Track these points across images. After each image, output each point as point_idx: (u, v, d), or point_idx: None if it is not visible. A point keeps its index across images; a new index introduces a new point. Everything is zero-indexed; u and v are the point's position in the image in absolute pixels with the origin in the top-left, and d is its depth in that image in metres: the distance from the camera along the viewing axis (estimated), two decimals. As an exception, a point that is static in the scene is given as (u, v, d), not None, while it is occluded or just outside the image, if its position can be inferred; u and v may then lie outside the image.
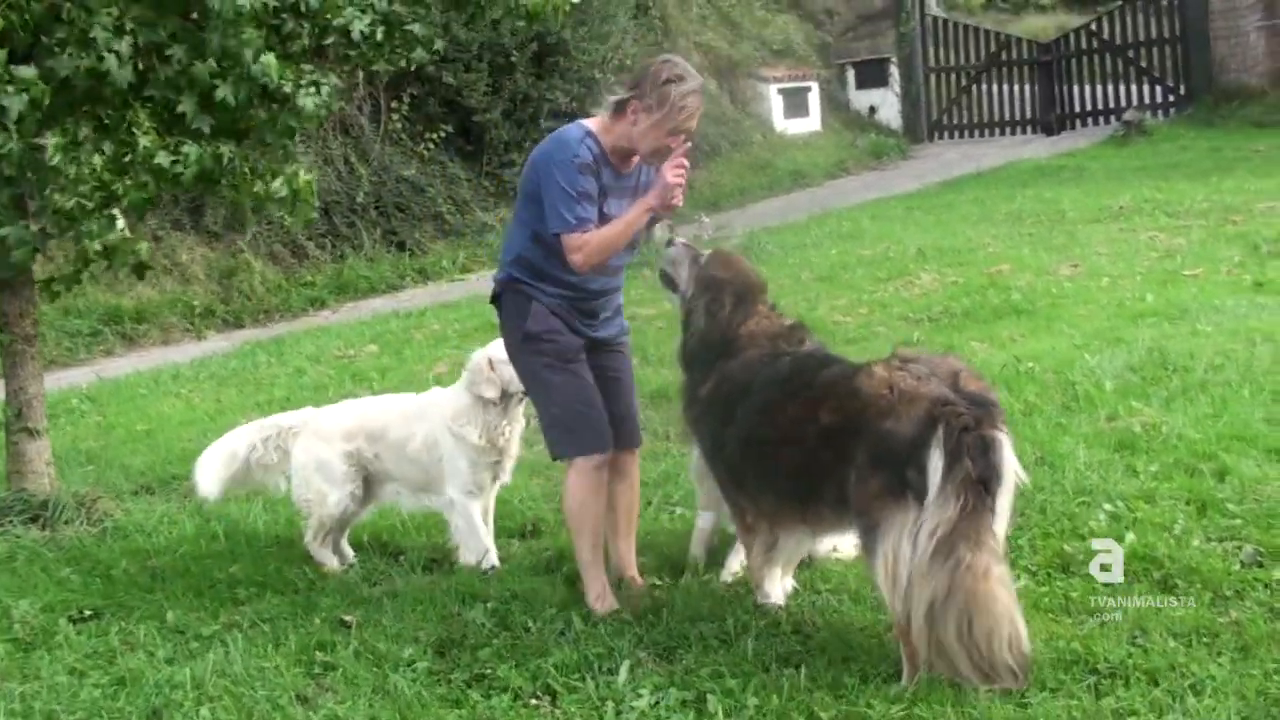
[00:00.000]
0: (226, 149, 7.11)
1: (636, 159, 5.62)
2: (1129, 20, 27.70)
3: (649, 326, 11.36)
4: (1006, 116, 28.22)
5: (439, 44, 8.15)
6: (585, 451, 5.72)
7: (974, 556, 4.54)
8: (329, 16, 7.38)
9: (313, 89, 7.30)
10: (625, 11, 23.28)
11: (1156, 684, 4.60)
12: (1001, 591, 4.60)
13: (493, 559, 6.43)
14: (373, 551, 6.91)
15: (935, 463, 4.54)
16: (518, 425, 6.51)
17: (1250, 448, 6.90)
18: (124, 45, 6.45)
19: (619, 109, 5.53)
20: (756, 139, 26.57)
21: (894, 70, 29.44)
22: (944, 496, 4.49)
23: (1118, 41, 27.54)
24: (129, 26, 6.58)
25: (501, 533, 6.85)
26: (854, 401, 4.82)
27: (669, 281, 5.93)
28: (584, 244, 5.40)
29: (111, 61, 6.40)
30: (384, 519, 7.28)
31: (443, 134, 20.79)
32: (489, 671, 5.17)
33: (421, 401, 6.76)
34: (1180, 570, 5.47)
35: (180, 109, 6.82)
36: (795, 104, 27.99)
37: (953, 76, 29.11)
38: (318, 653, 5.49)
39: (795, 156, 26.29)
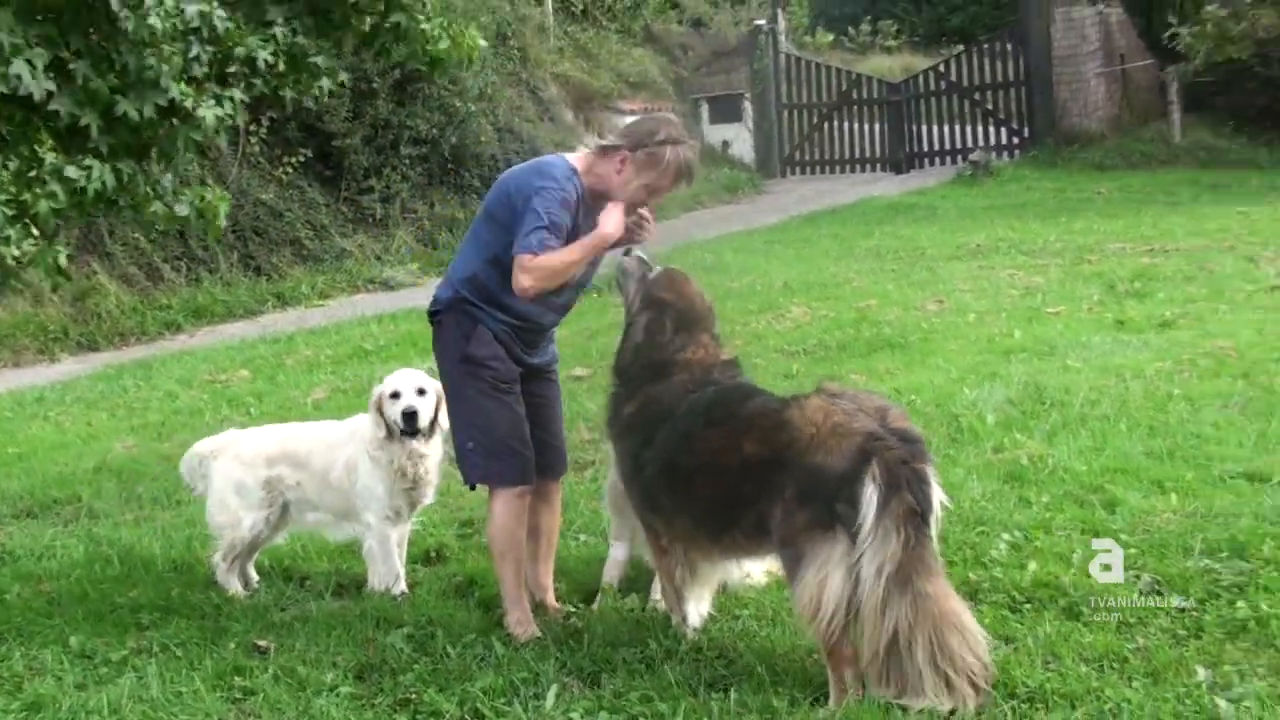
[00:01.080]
0: (126, 167, 6.99)
1: (607, 205, 5.58)
2: (975, 63, 28.53)
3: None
4: (857, 154, 28.83)
5: (342, 76, 8.12)
6: (509, 483, 5.73)
7: (931, 585, 4.67)
8: (232, 44, 7.30)
9: (213, 102, 7.20)
10: (487, 41, 23.26)
11: (1074, 707, 4.74)
12: (962, 609, 4.80)
13: (402, 586, 6.39)
14: (276, 576, 6.84)
15: (869, 496, 4.63)
16: (431, 456, 6.46)
17: (1134, 480, 7.15)
18: (36, 57, 6.30)
19: (607, 153, 5.53)
20: (613, 170, 26.70)
21: (748, 106, 29.91)
22: (883, 530, 4.59)
23: (964, 84, 28.34)
24: (33, 41, 6.43)
25: (407, 559, 6.80)
26: (781, 434, 4.88)
27: (620, 289, 5.90)
28: (534, 266, 5.32)
29: (23, 71, 6.25)
30: (286, 544, 7.17)
31: (302, 159, 20.60)
32: (413, 696, 5.15)
33: (344, 428, 6.70)
34: (1083, 598, 5.64)
35: (84, 123, 6.66)
36: (651, 137, 28.18)
37: (805, 113, 29.65)
38: (235, 677, 5.41)
39: (651, 188, 26.44)
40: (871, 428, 4.75)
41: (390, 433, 6.34)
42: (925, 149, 28.52)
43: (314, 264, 20.18)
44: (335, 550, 7.05)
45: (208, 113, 7.13)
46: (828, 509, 4.72)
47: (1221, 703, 4.66)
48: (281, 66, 7.56)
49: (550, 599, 6.07)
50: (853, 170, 28.37)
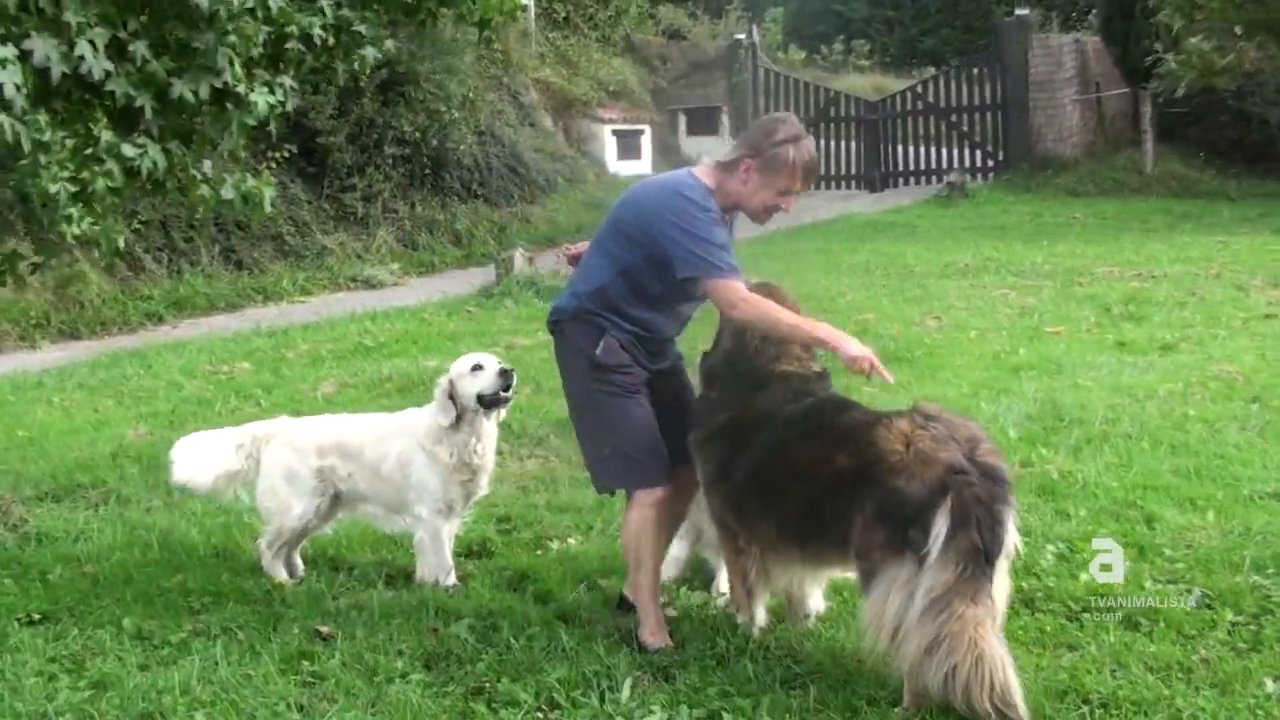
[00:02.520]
0: (176, 149, 6.96)
1: (728, 215, 5.59)
2: (952, 86, 28.78)
3: (530, 357, 11.33)
4: (833, 171, 28.96)
5: (387, 43, 8.09)
6: (648, 485, 5.63)
7: (966, 609, 4.65)
8: (284, 22, 7.28)
9: (265, 89, 7.18)
10: (471, 47, 23.29)
11: (1147, 715, 4.80)
12: (990, 640, 4.67)
13: (453, 579, 6.38)
14: (323, 565, 6.82)
15: (940, 527, 4.65)
16: (489, 440, 6.46)
17: (1165, 497, 7.25)
18: (98, 37, 6.27)
19: (731, 166, 5.49)
20: (590, 178, 26.80)
21: (725, 119, 30.03)
22: (944, 560, 4.61)
23: (941, 105, 28.57)
24: (94, 21, 6.39)
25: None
26: (870, 450, 4.90)
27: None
28: (744, 300, 5.28)
29: (86, 51, 6.21)
30: (329, 534, 7.13)
31: (285, 154, 20.47)
32: (486, 685, 5.16)
33: (396, 421, 6.67)
34: (1140, 610, 5.71)
35: (139, 103, 6.62)
36: (628, 146, 28.37)
37: (781, 129, 29.73)
38: (303, 662, 5.43)
39: (629, 198, 26.54)
40: (956, 460, 4.75)
41: (460, 417, 6.31)
42: (901, 168, 28.75)
43: (295, 260, 20.11)
44: (378, 540, 7.04)
45: (260, 99, 7.09)
46: (902, 532, 4.74)
47: (1294, 715, 4.73)
48: (331, 40, 7.51)
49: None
50: (829, 187, 28.46)
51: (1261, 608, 5.70)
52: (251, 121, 7.15)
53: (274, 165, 20.22)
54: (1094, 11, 34.10)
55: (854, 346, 5.24)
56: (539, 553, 6.89)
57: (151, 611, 6.08)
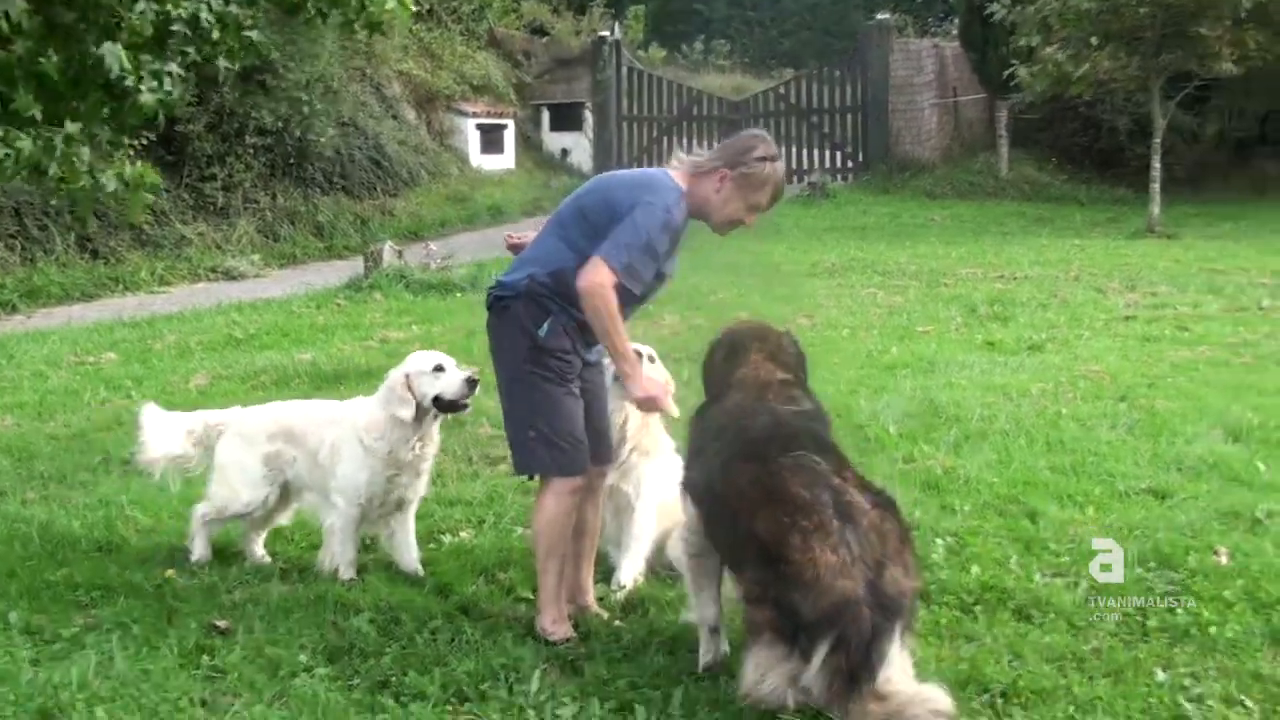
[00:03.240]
0: (58, 138, 6.78)
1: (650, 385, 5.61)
2: (814, 87, 29.14)
3: (408, 351, 11.21)
4: (696, 169, 29.02)
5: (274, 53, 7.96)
6: (569, 473, 5.60)
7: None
8: (173, 4, 7.11)
9: (154, 80, 7.02)
10: (333, 36, 23.01)
11: (1046, 704, 4.91)
12: None
13: (352, 573, 6.30)
14: (219, 558, 6.69)
15: (821, 650, 4.62)
16: (432, 443, 6.37)
17: (1044, 493, 7.41)
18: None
19: (705, 174, 5.47)
20: (453, 171, 26.68)
21: (588, 116, 30.06)
22: (821, 673, 4.59)
23: (803, 106, 28.90)
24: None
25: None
26: (784, 544, 4.73)
27: None
28: (603, 292, 5.28)
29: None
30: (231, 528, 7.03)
31: (143, 142, 19.96)
32: (391, 679, 5.10)
33: (340, 409, 6.55)
34: (1030, 601, 5.83)
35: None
36: (491, 140, 28.28)
37: (646, 126, 29.91)
38: (203, 656, 5.31)
39: (493, 192, 26.54)
40: (853, 593, 4.63)
41: (419, 413, 6.21)
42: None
43: (153, 250, 19.73)
44: (272, 533, 6.92)
45: (148, 96, 6.93)
46: (791, 632, 4.73)
47: (1185, 703, 4.87)
48: (216, 33, 7.36)
49: (590, 601, 5.96)
50: (691, 185, 28.56)
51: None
52: (135, 121, 7.00)
53: (131, 153, 19.75)
54: (951, 18, 34.83)
55: (638, 389, 5.44)
56: (432, 546, 6.83)
57: (39, 606, 5.91)
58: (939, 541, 6.62)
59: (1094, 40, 21.26)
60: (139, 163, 7.41)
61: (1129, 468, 7.89)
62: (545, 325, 5.48)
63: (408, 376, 6.21)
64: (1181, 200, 24.85)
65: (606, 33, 30.81)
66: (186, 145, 20.94)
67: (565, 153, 30.16)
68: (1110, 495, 7.38)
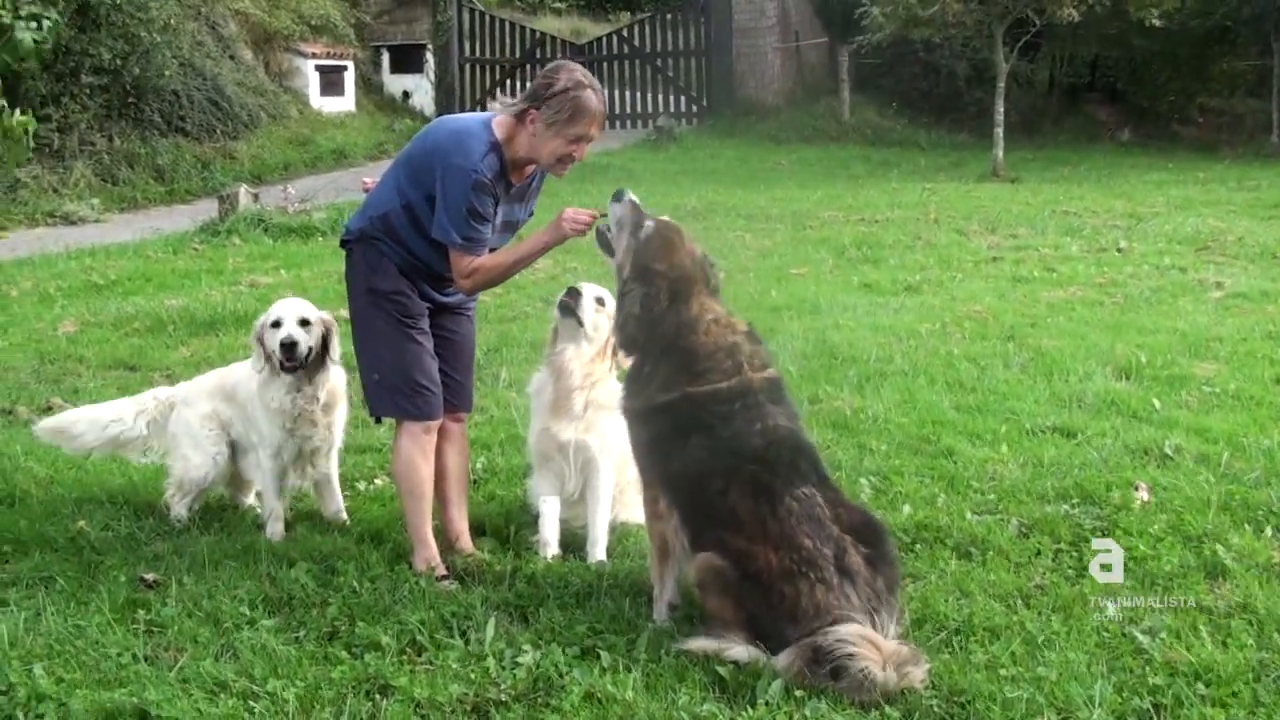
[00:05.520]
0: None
1: (531, 168, 5.49)
2: (659, 31, 29.03)
3: (278, 296, 10.92)
4: (540, 112, 28.78)
5: None
6: (415, 417, 5.57)
7: None
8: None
9: (33, 23, 6.67)
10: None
11: (1001, 639, 4.94)
12: None
13: (278, 528, 6.10)
14: (130, 509, 6.45)
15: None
16: (317, 397, 6.12)
17: (955, 431, 7.50)
18: None
19: (519, 117, 5.34)
20: (294, 114, 26.03)
21: (429, 58, 29.55)
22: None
23: (647, 50, 28.78)
24: None
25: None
26: (781, 580, 4.69)
27: (605, 244, 5.43)
28: (474, 270, 5.33)
29: None
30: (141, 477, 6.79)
31: (-29, 80, 19.11)
32: (341, 629, 4.96)
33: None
34: (966, 539, 5.88)
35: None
36: (331, 82, 27.63)
37: (488, 69, 29.54)
38: (139, 611, 5.11)
39: (335, 135, 26.00)
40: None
41: (272, 366, 6.01)
42: (608, 111, 28.77)
43: (-16, 194, 18.86)
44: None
45: (26, 35, 6.58)
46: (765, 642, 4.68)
47: (1139, 635, 4.94)
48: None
49: (465, 543, 5.86)
50: (536, 128, 28.33)
51: (1077, 535, 5.92)
52: (11, 60, 6.65)
53: (-41, 92, 18.87)
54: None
55: (565, 227, 5.32)
56: (348, 494, 6.66)
57: (-52, 562, 5.63)
58: (864, 481, 6.67)
59: (943, -20, 21.58)
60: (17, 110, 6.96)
61: (1031, 406, 8.02)
62: (378, 267, 5.48)
63: (261, 328, 6.09)
64: (1018, 145, 25.33)
65: (447, -28, 30.29)
66: (19, 84, 19.95)
67: (407, 95, 29.61)
68: (1019, 433, 7.48)
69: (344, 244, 5.70)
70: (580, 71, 5.46)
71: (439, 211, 5.30)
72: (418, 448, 5.59)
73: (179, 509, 6.31)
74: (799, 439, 5.10)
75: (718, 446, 4.99)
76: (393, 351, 5.52)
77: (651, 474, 5.23)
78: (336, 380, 6.24)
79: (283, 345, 5.94)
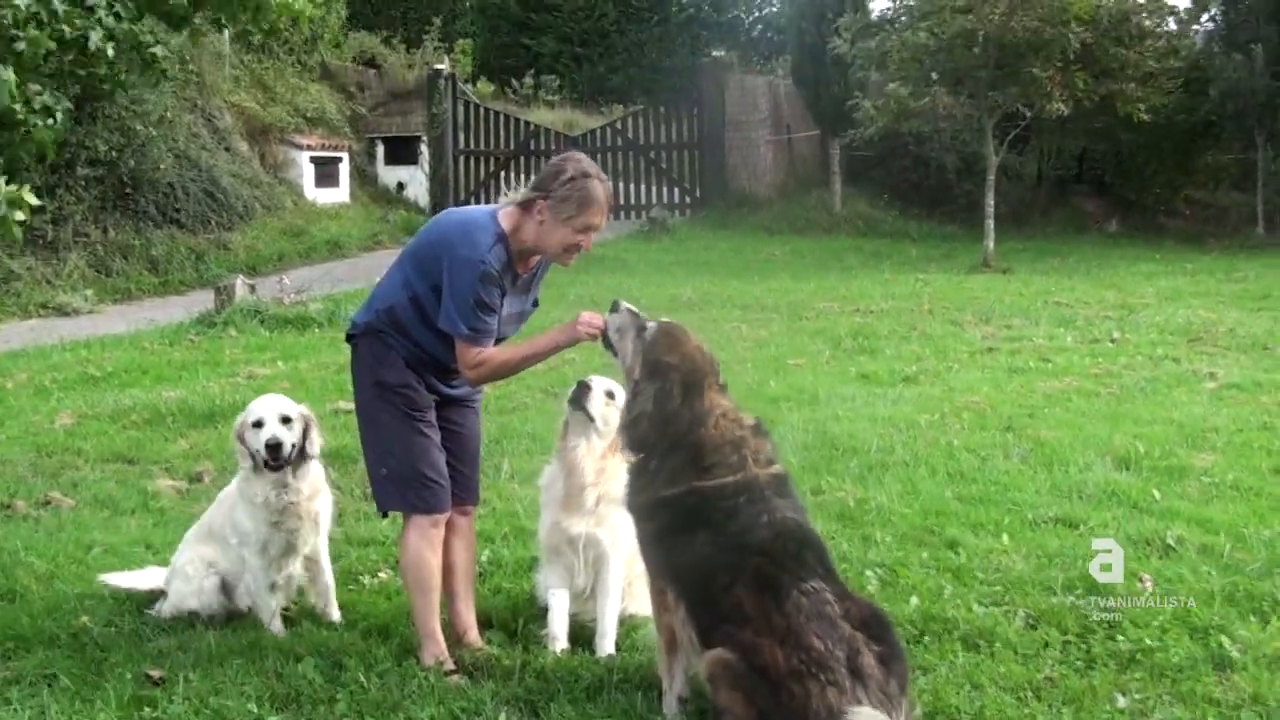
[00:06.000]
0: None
1: (537, 258, 5.56)
2: (652, 123, 29.32)
3: (272, 388, 10.93)
4: (534, 204, 28.96)
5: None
6: (422, 510, 5.56)
7: None
8: (66, 27, 6.86)
9: (47, 117, 6.75)
10: (168, 65, 22.37)
11: (1015, 734, 4.95)
12: None
13: (278, 624, 6.08)
14: (129, 604, 6.42)
15: None
16: (301, 484, 6.13)
17: (958, 522, 7.51)
18: None
19: (525, 207, 5.41)
20: (288, 205, 26.16)
21: (424, 149, 29.79)
22: None
23: (640, 142, 29.04)
24: None
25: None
26: (790, 680, 4.61)
27: (611, 347, 5.46)
28: (481, 361, 5.36)
29: None
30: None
31: (-33, 173, 19.20)
32: (349, 728, 4.94)
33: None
34: (974, 631, 5.88)
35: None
36: (326, 174, 27.82)
37: (482, 160, 29.76)
38: (144, 709, 5.09)
39: (329, 226, 26.11)
40: None
41: (255, 465, 6.03)
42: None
43: (-22, 287, 18.91)
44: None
45: (44, 132, 6.68)
46: None
47: (1149, 728, 4.95)
48: (111, 52, 7.12)
49: (474, 637, 5.84)
50: (530, 220, 28.50)
51: (1084, 627, 5.93)
52: (28, 155, 6.73)
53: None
54: (776, 56, 35.43)
55: (581, 330, 5.36)
56: (352, 588, 6.66)
57: (-53, 661, 5.60)
58: (870, 574, 6.65)
59: (934, 75, 21.83)
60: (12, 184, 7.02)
61: (1032, 496, 8.04)
62: (385, 360, 5.52)
63: (241, 426, 6.10)
64: (1007, 236, 25.54)
65: (442, 66, 30.55)
66: (14, 176, 20.07)
67: (401, 186, 29.83)
68: (1021, 524, 7.49)
69: (349, 338, 5.73)
70: (586, 161, 5.53)
71: (446, 302, 5.33)
72: (426, 542, 5.59)
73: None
74: (805, 531, 5.09)
75: (723, 541, 4.97)
76: (400, 445, 5.54)
77: (658, 567, 5.22)
78: (316, 472, 6.25)
79: (268, 446, 5.96)
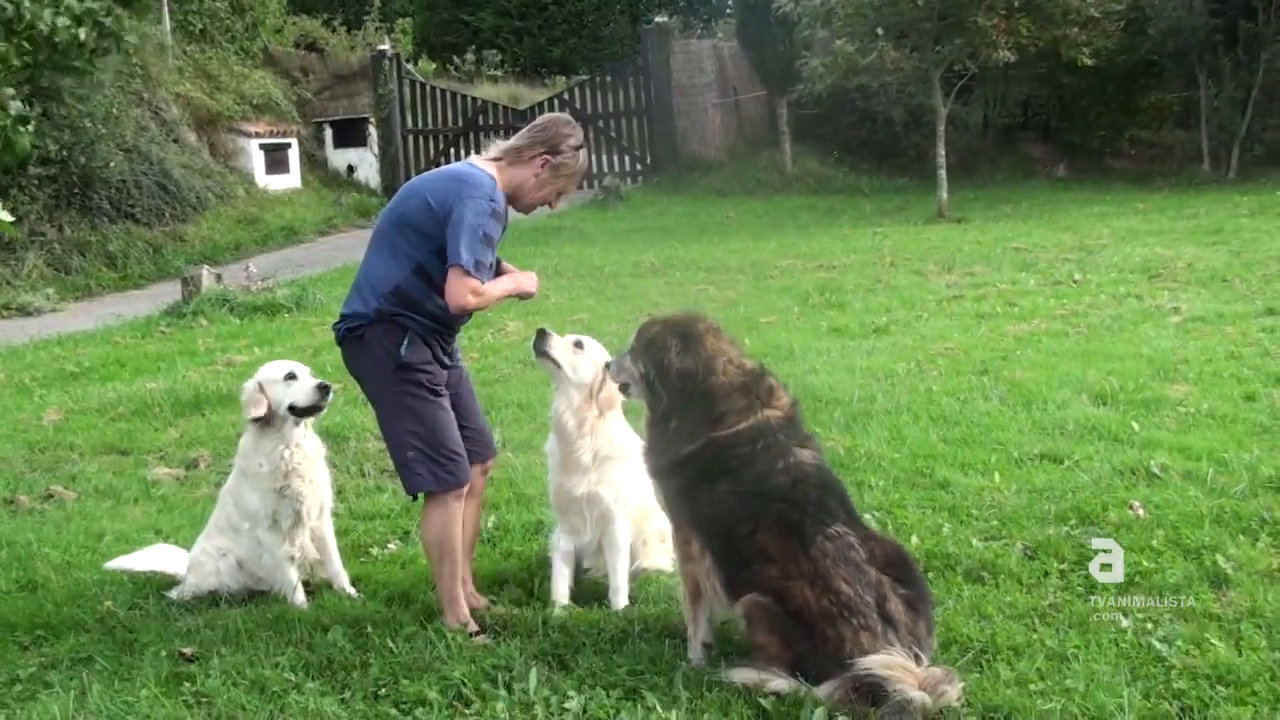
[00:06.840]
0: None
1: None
2: (599, 92, 29.37)
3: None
4: (485, 179, 28.99)
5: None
6: (450, 487, 5.67)
7: None
8: (32, 24, 6.91)
9: (22, 125, 6.82)
10: (113, 60, 22.24)
11: (1025, 657, 5.11)
12: None
13: (301, 596, 6.20)
14: (147, 586, 6.55)
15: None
16: (305, 446, 6.29)
17: (947, 464, 7.71)
18: None
19: (524, 158, 5.61)
20: (240, 193, 26.06)
21: (372, 131, 29.74)
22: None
23: (589, 111, 29.07)
24: None
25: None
26: (823, 623, 4.80)
27: (626, 390, 5.61)
28: (482, 293, 5.48)
29: None
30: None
31: (-84, 178, 19.12)
32: (384, 688, 5.08)
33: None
34: (976, 565, 6.07)
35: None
36: (276, 160, 27.74)
37: (431, 139, 29.72)
38: (184, 684, 5.19)
39: (283, 212, 26.05)
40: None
41: (275, 420, 6.16)
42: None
43: (-66, 289, 18.82)
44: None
45: (23, 138, 6.75)
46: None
47: (1156, 643, 5.14)
48: (83, 35, 7.17)
49: (471, 591, 5.99)
50: (482, 194, 28.53)
51: (1081, 555, 6.12)
52: (12, 159, 6.78)
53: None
54: (714, 20, 35.50)
55: (530, 285, 5.88)
56: (364, 561, 6.78)
57: (-19, 648, 5.70)
58: (868, 517, 6.77)
59: (879, 30, 21.95)
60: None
61: (1015, 435, 8.24)
62: (404, 342, 5.60)
63: (260, 385, 6.23)
64: (958, 186, 25.74)
65: (385, 46, 30.47)
66: (-1, 189, 20.03)
67: (351, 169, 29.78)
68: (1008, 462, 7.69)
69: (350, 330, 5.72)
70: (581, 130, 5.80)
71: (456, 238, 5.39)
72: (449, 515, 5.69)
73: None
74: (824, 474, 5.25)
75: (743, 489, 5.12)
76: (425, 424, 5.63)
77: (682, 518, 5.35)
78: (314, 438, 6.44)
79: (319, 387, 6.21)
